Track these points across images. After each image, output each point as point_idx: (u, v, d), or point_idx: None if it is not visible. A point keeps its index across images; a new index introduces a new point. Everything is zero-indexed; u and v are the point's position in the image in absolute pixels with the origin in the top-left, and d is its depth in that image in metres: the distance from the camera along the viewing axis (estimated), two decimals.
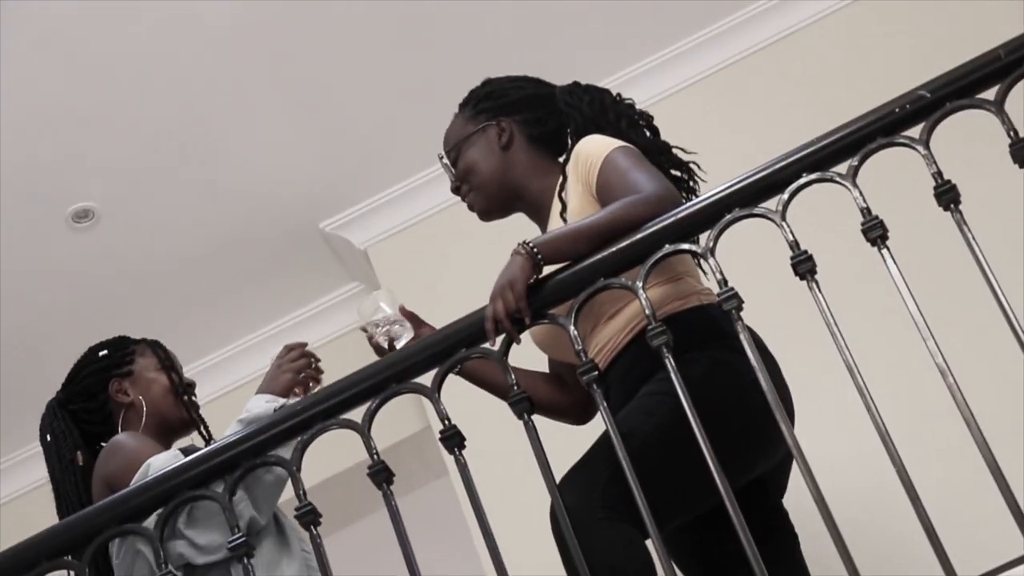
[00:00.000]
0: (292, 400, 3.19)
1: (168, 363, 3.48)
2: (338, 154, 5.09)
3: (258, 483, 3.07)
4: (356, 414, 2.82)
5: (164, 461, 3.08)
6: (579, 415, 3.27)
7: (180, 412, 3.43)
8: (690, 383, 2.65)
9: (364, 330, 3.20)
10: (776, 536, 3.05)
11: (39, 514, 3.47)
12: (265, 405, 3.15)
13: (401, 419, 5.23)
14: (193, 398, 3.47)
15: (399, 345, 3.12)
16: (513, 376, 2.75)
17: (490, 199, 3.28)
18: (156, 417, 3.41)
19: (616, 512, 2.74)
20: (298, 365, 3.29)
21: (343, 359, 5.08)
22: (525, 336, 2.86)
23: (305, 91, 4.83)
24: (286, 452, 2.82)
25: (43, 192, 4.77)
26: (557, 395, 3.26)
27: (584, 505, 2.76)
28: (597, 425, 2.86)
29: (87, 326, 5.21)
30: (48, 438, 3.41)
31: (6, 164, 4.61)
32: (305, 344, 3.36)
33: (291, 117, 4.90)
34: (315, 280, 5.55)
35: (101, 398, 3.43)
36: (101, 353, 3.51)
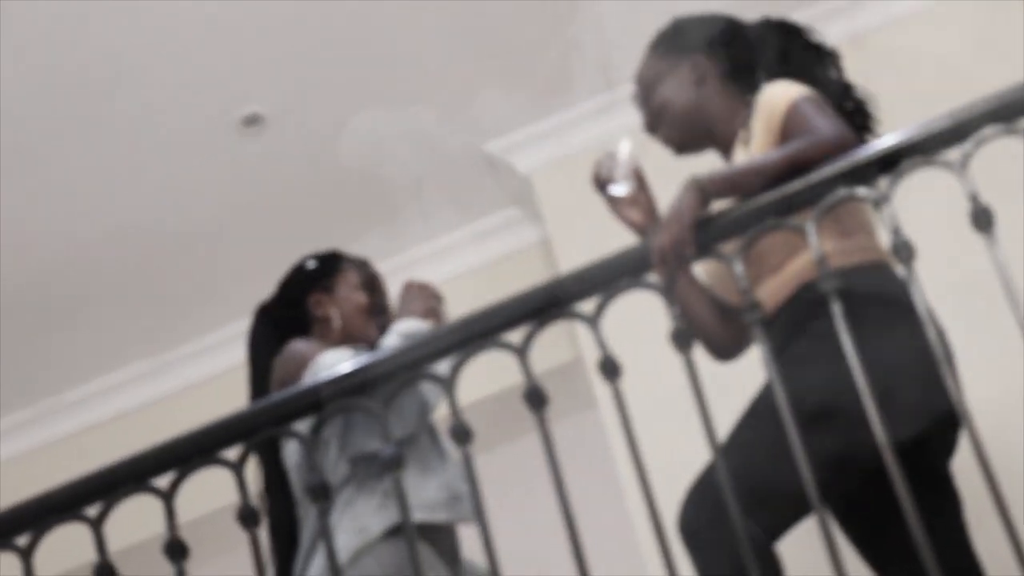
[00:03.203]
0: None
1: (368, 283, 3.54)
2: (507, 75, 5.04)
3: None
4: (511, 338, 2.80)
5: (333, 358, 3.15)
6: (726, 351, 3.20)
7: (367, 332, 3.49)
8: (855, 338, 2.60)
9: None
10: (938, 499, 2.98)
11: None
12: (418, 321, 3.20)
13: (548, 350, 5.21)
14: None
15: (610, 190, 3.07)
16: (678, 308, 2.71)
17: (683, 133, 3.23)
18: (346, 333, 3.47)
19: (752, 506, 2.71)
20: (425, 296, 3.36)
21: (497, 283, 5.12)
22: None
23: (479, 8, 4.78)
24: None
25: (213, 98, 4.80)
26: (720, 327, 3.19)
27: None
28: (753, 370, 2.80)
29: (255, 231, 5.30)
30: (249, 344, 3.51)
31: (176, 71, 4.65)
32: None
33: (463, 33, 4.86)
34: (474, 203, 5.52)
35: (301, 308, 3.51)
36: (309, 264, 3.57)
